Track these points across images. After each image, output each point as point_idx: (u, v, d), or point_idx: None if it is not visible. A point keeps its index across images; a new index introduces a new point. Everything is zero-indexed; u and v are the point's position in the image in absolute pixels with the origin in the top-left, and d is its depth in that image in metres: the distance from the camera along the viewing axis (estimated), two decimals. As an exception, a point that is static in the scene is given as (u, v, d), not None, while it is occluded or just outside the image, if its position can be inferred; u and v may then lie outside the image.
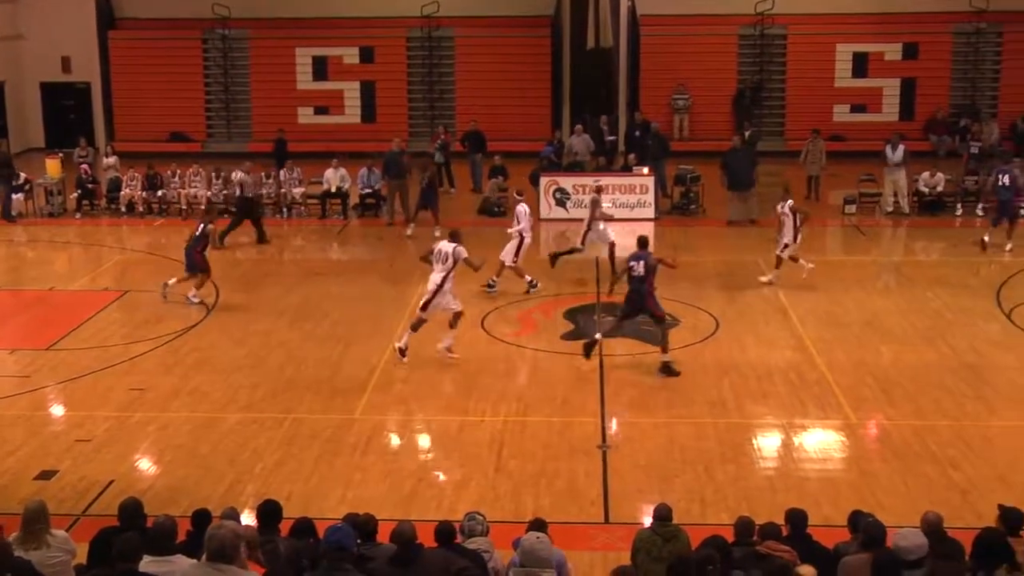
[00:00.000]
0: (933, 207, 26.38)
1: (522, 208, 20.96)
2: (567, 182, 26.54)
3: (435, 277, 16.98)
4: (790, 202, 21.07)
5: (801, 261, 20.76)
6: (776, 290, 20.41)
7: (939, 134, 32.57)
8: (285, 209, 26.99)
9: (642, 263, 16.64)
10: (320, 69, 34.38)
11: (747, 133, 28.75)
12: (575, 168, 27.91)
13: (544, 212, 26.01)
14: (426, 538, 8.87)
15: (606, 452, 13.93)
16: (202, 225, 20.35)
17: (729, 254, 23.27)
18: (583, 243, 21.39)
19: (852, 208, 26.54)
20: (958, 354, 17.24)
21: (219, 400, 15.70)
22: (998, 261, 22.29)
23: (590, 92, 33.10)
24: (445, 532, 8.91)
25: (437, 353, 17.04)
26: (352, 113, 34.45)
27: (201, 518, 9.09)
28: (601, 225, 21.32)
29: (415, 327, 17.11)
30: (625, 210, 25.80)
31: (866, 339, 17.97)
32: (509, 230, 20.94)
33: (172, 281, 20.22)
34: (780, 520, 9.50)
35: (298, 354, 17.52)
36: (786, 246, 20.87)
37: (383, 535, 9.02)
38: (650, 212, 26.04)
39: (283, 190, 26.98)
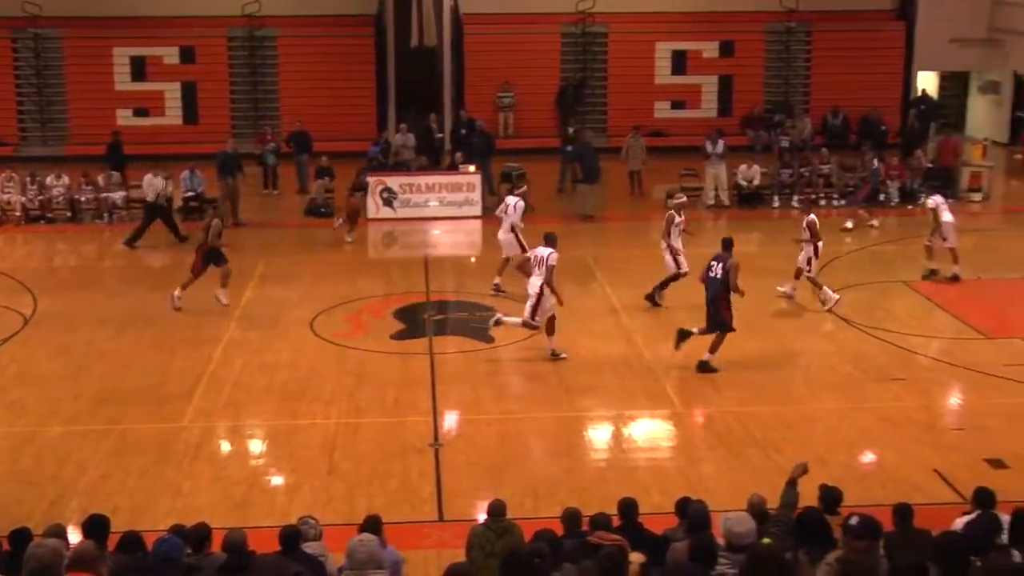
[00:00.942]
0: (751, 199, 27.21)
1: (512, 200, 20.76)
2: (394, 182, 26.46)
3: (534, 282, 16.78)
4: (812, 216, 19.75)
5: (825, 288, 19.25)
6: (603, 285, 20.74)
7: (756, 129, 33.57)
8: (107, 214, 26.19)
9: (721, 265, 16.34)
10: (139, 70, 33.42)
11: (571, 130, 29.11)
12: (401, 167, 27.87)
13: (372, 212, 25.89)
14: (261, 544, 8.76)
15: (439, 450, 13.98)
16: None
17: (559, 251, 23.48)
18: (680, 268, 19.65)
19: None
20: (780, 341, 17.83)
21: (39, 413, 15.18)
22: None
23: (415, 91, 33.10)
24: (289, 537, 8.80)
25: (549, 358, 16.85)
26: (173, 115, 33.58)
27: (19, 537, 8.77)
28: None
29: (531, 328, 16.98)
30: (452, 208, 25.91)
31: (690, 330, 18.41)
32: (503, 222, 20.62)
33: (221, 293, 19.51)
34: (613, 510, 9.71)
35: (122, 363, 17.06)
36: (809, 261, 19.35)
37: (218, 544, 8.87)
38: (477, 210, 26.15)
39: (103, 195, 26.19)
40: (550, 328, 16.95)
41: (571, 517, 9.41)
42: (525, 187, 22.49)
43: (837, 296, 19.04)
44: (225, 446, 14.50)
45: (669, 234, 19.73)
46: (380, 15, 33.99)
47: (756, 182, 27.37)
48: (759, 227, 25.78)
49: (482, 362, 16.98)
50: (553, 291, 16.84)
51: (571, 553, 8.37)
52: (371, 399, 15.61)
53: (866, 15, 35.08)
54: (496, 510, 9.55)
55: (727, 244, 16.74)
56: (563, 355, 16.92)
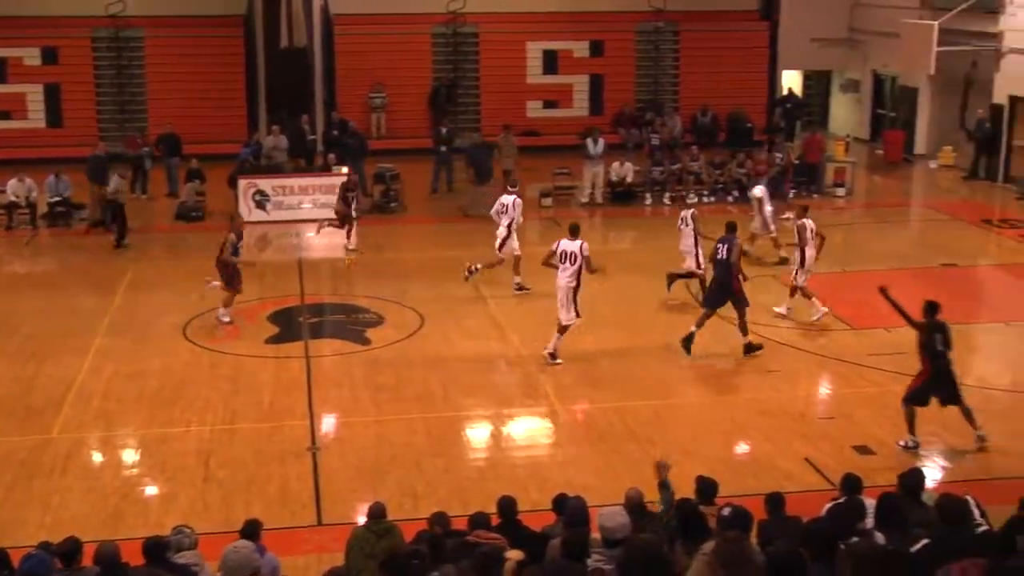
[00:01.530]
0: (624, 197, 27.54)
1: (509, 199, 20.54)
2: (266, 184, 26.15)
3: (564, 276, 16.64)
4: (804, 221, 18.77)
5: (814, 300, 18.72)
6: (478, 284, 20.76)
7: (627, 128, 34.01)
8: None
9: (726, 247, 16.93)
10: (-2, 71, 32.55)
11: (444, 131, 29.12)
12: (274, 169, 27.56)
13: (244, 215, 25.50)
14: (136, 556, 8.59)
15: (317, 454, 13.86)
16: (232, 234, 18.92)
17: (433, 251, 23.58)
18: (700, 266, 19.58)
19: (548, 201, 27.32)
20: (654, 336, 18.06)
21: (-102, 428, 14.66)
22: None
23: (287, 92, 32.77)
24: (153, 548, 8.63)
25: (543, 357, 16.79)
26: (36, 117, 32.71)
27: None
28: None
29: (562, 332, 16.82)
30: (326, 210, 25.66)
31: (571, 327, 18.54)
32: (501, 224, 20.40)
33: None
34: (492, 509, 9.74)
35: (-14, 374, 16.57)
36: (796, 270, 18.81)
37: (89, 558, 8.66)
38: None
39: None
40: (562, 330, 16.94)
41: (441, 517, 9.48)
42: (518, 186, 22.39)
43: (824, 310, 18.55)
44: (96, 457, 14.16)
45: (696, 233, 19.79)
46: (249, 15, 33.57)
47: (629, 180, 27.73)
48: (633, 224, 26.10)
49: (359, 364, 16.89)
50: (590, 268, 16.85)
51: (453, 553, 8.39)
52: (247, 404, 15.41)
53: (731, 15, 35.81)
54: (376, 512, 9.51)
55: (731, 227, 17.45)
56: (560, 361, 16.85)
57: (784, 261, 21.25)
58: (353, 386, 16.11)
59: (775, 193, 24.28)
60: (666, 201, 27.36)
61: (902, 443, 13.92)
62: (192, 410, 15.16)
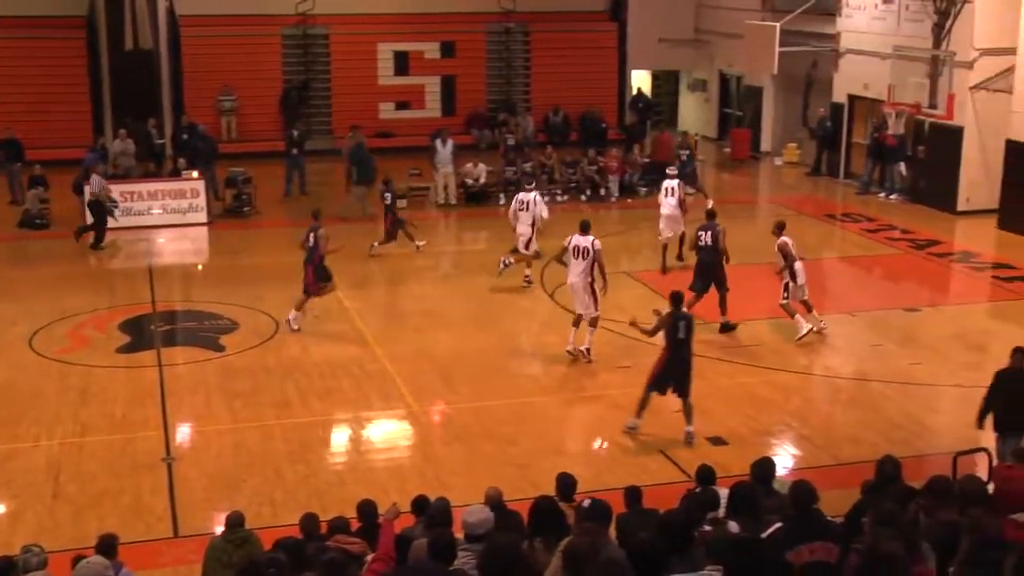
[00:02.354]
0: (478, 198, 27.64)
1: (530, 196, 20.77)
2: (114, 190, 25.48)
3: (577, 272, 16.84)
4: (783, 239, 17.99)
5: (798, 317, 17.88)
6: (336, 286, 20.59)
7: (480, 128, 34.16)
8: None
9: (710, 234, 17.97)
10: None
11: (295, 133, 28.83)
12: (121, 175, 26.90)
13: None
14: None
15: (172, 464, 13.60)
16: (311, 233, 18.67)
17: (287, 255, 23.14)
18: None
19: (403, 203, 27.20)
20: (509, 335, 18.19)
21: None
22: (541, 245, 23.55)
23: (133, 95, 32.02)
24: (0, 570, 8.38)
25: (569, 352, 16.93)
26: None
27: None
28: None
29: (576, 323, 17.06)
30: (177, 216, 25.23)
31: (424, 328, 18.59)
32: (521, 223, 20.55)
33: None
34: (353, 513, 9.70)
35: None
36: (786, 287, 17.92)
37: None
38: (203, 216, 25.54)
39: None
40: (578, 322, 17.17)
41: (309, 521, 9.41)
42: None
43: (808, 326, 17.85)
44: (-62, 475, 13.65)
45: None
46: (91, 16, 32.70)
47: (482, 180, 27.83)
48: (487, 225, 26.18)
49: (214, 371, 16.62)
50: (603, 274, 17.02)
51: (312, 559, 8.31)
52: (98, 416, 15.02)
53: (580, 16, 36.23)
54: (234, 521, 9.39)
55: (711, 215, 18.73)
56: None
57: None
58: (208, 394, 15.84)
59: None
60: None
61: (626, 426, 14.33)
62: (40, 424, 14.71)
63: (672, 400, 14.69)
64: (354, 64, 34.07)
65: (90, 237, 23.68)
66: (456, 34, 34.87)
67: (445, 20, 34.48)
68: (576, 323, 17.19)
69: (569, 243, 17.08)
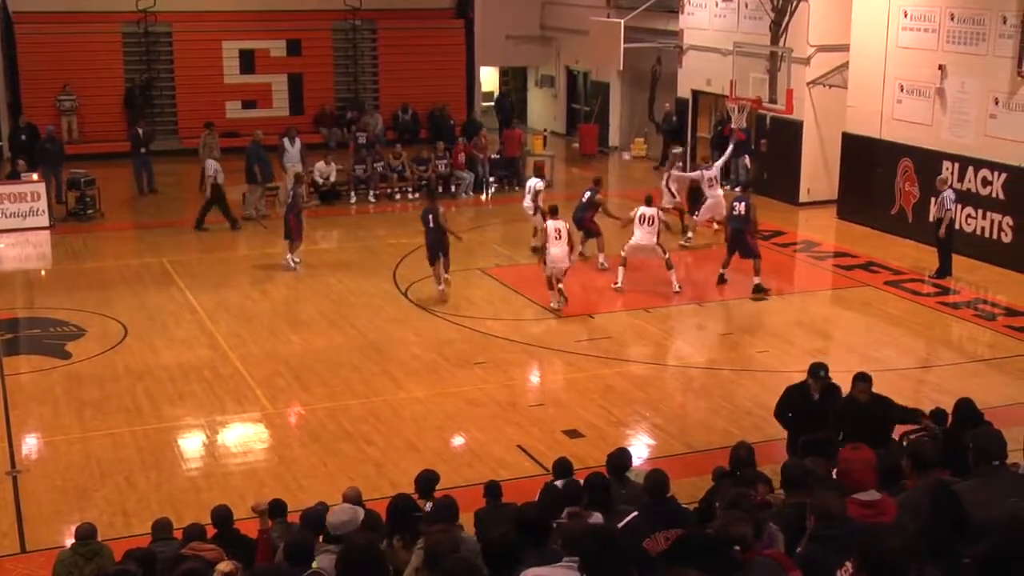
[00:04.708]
0: (329, 196, 27.41)
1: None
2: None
3: (647, 234, 19.80)
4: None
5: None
6: (183, 291, 20.25)
7: (329, 126, 33.92)
8: None
9: (743, 204, 19.88)
10: None
11: (141, 132, 28.19)
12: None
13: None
14: None
15: (17, 477, 13.19)
16: (589, 193, 21.94)
17: (134, 258, 22.76)
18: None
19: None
20: (363, 334, 18.11)
21: None
22: (394, 243, 23.57)
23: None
24: None
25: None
26: None
27: None
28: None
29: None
30: (17, 220, 24.42)
31: (276, 329, 18.39)
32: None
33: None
34: (208, 520, 9.56)
35: None
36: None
37: None
38: (44, 220, 24.76)
39: None
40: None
41: (161, 527, 9.30)
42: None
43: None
44: None
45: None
46: (-82, 14, 31.49)
47: (332, 179, 27.62)
48: (338, 223, 26.03)
49: (60, 379, 16.15)
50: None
51: (166, 568, 8.16)
52: (-64, 430, 14.48)
53: (427, 13, 36.25)
54: (84, 533, 9.18)
55: (745, 186, 21.08)
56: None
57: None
58: (55, 403, 15.40)
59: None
60: (371, 199, 27.49)
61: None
62: None
63: (530, 396, 14.81)
64: (198, 62, 33.46)
65: None
66: (302, 32, 34.55)
67: (291, 18, 34.13)
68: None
69: (637, 213, 19.97)
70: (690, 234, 23.54)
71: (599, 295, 20.17)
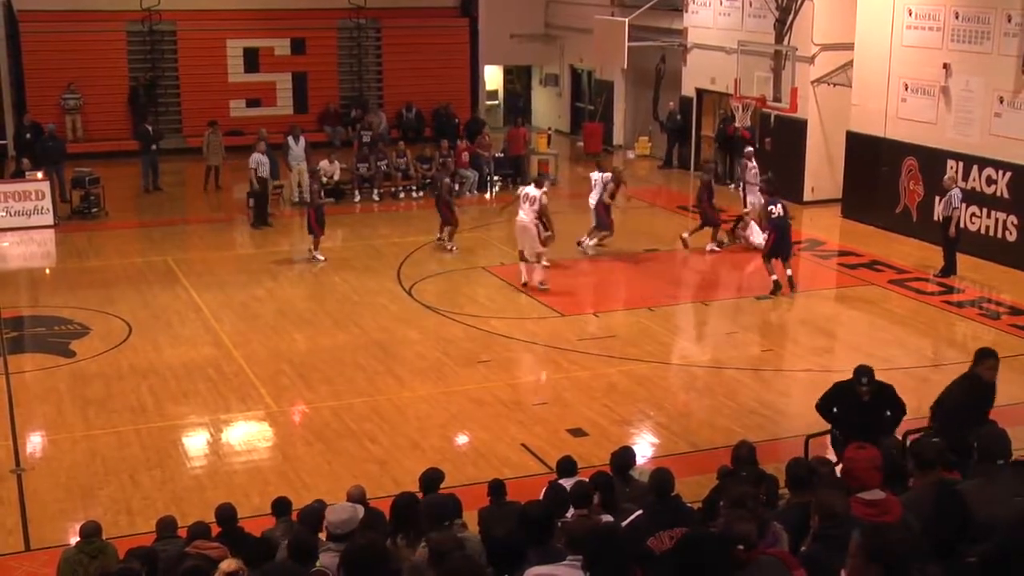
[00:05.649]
0: (334, 194, 27.39)
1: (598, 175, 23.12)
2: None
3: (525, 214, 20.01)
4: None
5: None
6: (188, 289, 20.28)
7: (333, 125, 33.92)
8: None
9: (780, 205, 19.91)
10: None
11: (151, 129, 28.21)
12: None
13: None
14: None
15: (22, 476, 13.20)
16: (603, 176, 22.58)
17: (139, 256, 22.78)
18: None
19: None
20: (367, 333, 18.11)
21: None
22: (398, 242, 23.59)
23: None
24: None
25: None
26: None
27: None
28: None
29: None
30: (22, 218, 24.45)
31: (281, 328, 18.39)
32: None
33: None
34: (212, 518, 9.56)
35: None
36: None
37: None
38: (49, 219, 24.80)
39: None
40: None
41: (166, 525, 9.30)
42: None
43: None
44: None
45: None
46: (-77, 13, 31.52)
47: (336, 177, 27.62)
48: (342, 222, 26.01)
49: (64, 378, 16.17)
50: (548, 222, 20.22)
51: (171, 566, 8.17)
52: (-59, 428, 14.50)
53: (431, 12, 36.27)
54: (88, 531, 9.18)
55: (774, 188, 20.65)
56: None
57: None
58: (59, 401, 15.41)
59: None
60: (375, 198, 27.50)
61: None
62: None
63: (536, 393, 14.81)
64: (203, 61, 33.48)
65: None
66: (306, 31, 34.58)
67: (295, 16, 34.16)
68: (522, 258, 19.77)
69: (521, 192, 20.11)
70: (725, 241, 23.35)
71: (605, 293, 20.17)
